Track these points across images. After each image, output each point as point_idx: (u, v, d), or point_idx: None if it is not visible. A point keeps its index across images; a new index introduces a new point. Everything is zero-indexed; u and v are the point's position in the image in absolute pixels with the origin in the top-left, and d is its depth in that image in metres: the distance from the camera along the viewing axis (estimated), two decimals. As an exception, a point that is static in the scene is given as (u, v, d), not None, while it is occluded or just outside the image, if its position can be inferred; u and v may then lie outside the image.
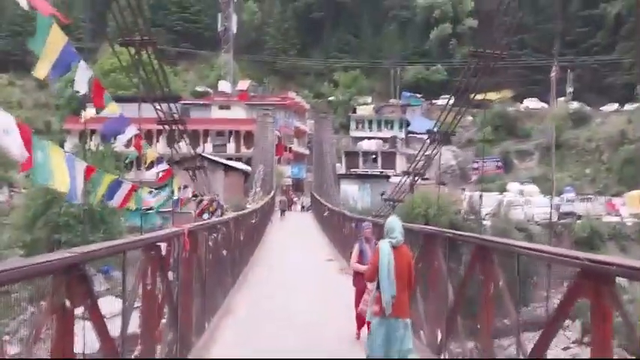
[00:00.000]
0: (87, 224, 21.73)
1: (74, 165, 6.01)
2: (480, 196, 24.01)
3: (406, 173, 15.56)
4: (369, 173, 48.27)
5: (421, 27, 78.78)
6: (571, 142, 58.90)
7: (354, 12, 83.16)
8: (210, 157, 40.15)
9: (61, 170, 5.66)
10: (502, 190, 48.78)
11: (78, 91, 6.55)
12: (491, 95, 70.38)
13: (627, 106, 57.12)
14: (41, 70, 5.39)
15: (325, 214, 23.87)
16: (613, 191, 47.15)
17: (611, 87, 65.68)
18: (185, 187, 13.63)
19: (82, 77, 6.43)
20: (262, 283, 12.68)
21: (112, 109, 7.24)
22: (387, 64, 76.00)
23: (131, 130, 8.23)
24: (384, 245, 5.98)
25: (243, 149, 54.09)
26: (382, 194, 43.63)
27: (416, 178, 15.20)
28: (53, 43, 5.35)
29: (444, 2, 76.22)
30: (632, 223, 32.24)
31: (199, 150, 28.63)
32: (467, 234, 7.07)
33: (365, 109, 69.60)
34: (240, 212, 15.87)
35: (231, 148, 55.30)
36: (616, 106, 61.28)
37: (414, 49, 78.58)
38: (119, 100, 8.62)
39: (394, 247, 5.96)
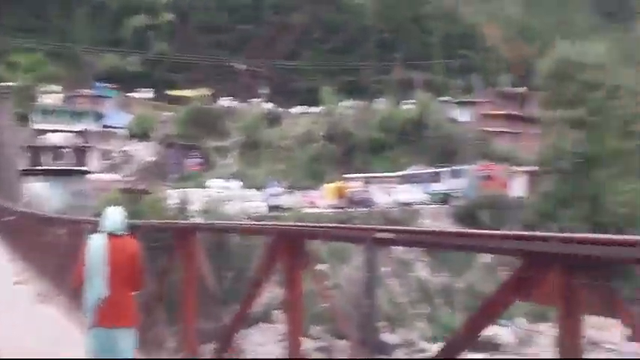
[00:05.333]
0: None
1: None
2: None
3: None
4: (61, 169, 42.72)
5: (115, 14, 73.88)
6: (266, 141, 62.58)
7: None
8: None
9: None
10: (204, 186, 48.84)
11: None
12: (190, 92, 70.56)
13: (312, 109, 63.16)
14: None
15: (10, 218, 19.41)
16: (303, 185, 51.48)
17: (298, 91, 71.91)
18: None
19: None
20: None
21: None
22: (77, 49, 69.08)
23: None
24: (94, 237, 5.12)
25: None
26: (80, 192, 39.28)
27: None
28: None
29: (140, -9, 73.00)
30: (332, 213, 35.46)
31: None
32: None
33: (51, 97, 61.79)
34: None
35: None
36: (303, 108, 67.25)
37: (107, 37, 73.17)
38: None
39: (112, 238, 5.03)
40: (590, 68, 39.91)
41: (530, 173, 45.38)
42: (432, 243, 3.67)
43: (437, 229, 3.76)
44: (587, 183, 38.19)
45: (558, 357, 2.29)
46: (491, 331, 29.96)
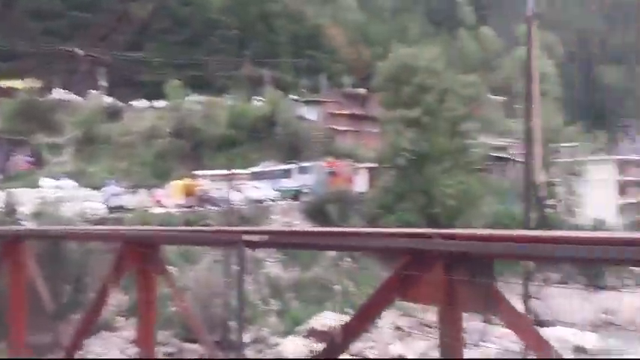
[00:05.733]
0: None
1: None
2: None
3: None
4: None
5: None
6: (105, 136, 58.67)
7: None
8: None
9: None
10: (35, 186, 44.55)
11: None
12: (18, 83, 63.76)
13: (156, 103, 60.60)
14: None
15: None
16: (149, 184, 49.14)
17: (141, 84, 68.53)
18: None
19: None
20: None
21: None
22: None
23: None
24: None
25: None
26: None
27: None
28: None
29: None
30: (180, 212, 34.14)
31: None
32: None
33: None
34: None
35: None
36: (146, 102, 64.26)
37: None
38: None
39: None
40: (422, 72, 43.06)
41: (371, 169, 47.90)
42: (307, 244, 3.53)
43: (312, 229, 3.59)
44: (421, 178, 41.29)
45: (438, 356, 2.29)
46: (336, 321, 31.14)
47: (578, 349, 25.77)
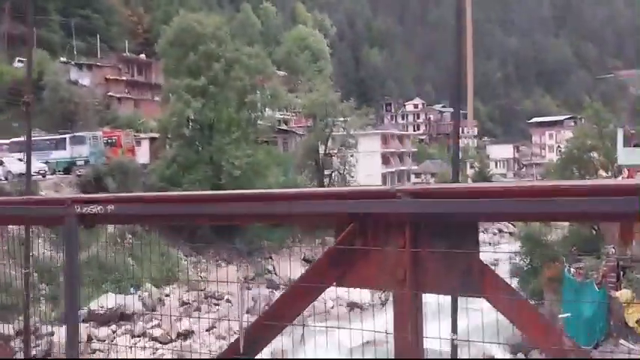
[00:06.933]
0: None
1: None
2: None
3: None
4: None
5: None
6: None
7: None
8: None
9: None
10: None
11: None
12: None
13: None
14: None
15: None
16: None
17: None
18: None
19: None
20: None
21: None
22: None
23: None
24: None
25: None
26: None
27: None
28: None
29: None
30: None
31: None
32: None
33: None
34: None
35: None
36: None
37: None
38: None
39: None
40: (208, 40, 41.87)
41: (154, 140, 45.66)
42: (194, 214, 2.44)
43: (193, 194, 2.55)
44: (208, 149, 40.53)
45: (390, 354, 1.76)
46: (118, 302, 29.16)
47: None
